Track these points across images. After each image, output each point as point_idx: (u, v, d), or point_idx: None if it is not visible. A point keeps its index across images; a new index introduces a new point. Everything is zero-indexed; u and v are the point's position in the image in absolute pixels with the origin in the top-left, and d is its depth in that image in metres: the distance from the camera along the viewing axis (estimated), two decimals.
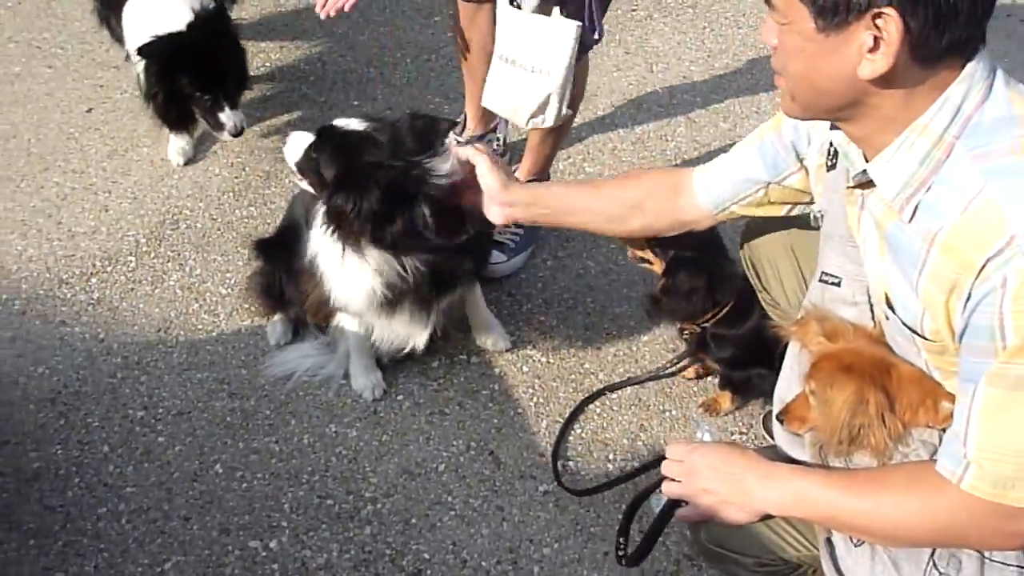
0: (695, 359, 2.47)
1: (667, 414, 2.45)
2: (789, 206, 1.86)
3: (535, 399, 2.48)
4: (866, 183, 1.42)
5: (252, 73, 3.57)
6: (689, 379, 2.53)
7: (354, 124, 2.08)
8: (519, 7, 2.36)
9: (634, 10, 4.00)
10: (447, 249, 2.05)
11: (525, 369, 2.55)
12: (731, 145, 1.90)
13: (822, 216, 1.68)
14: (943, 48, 1.24)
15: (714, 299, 2.23)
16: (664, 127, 3.43)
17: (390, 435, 2.37)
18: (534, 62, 2.35)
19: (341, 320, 2.40)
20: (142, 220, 2.97)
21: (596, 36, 2.41)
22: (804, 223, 1.85)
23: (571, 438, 2.38)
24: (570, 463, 2.33)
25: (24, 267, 2.79)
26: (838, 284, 1.62)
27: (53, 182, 3.10)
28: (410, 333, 2.33)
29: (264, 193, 3.09)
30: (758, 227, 2.09)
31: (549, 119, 2.46)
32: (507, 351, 2.59)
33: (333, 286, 2.22)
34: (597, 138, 3.38)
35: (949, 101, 1.27)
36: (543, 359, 2.58)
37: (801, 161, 1.76)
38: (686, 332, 2.39)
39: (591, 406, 2.45)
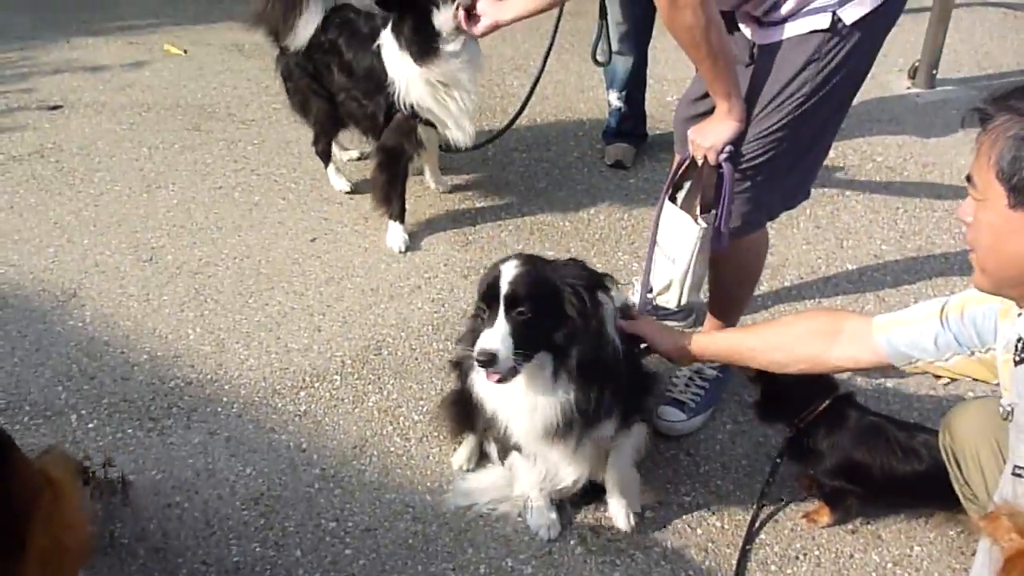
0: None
1: None
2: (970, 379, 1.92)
3: (707, 563, 2.47)
4: None
5: (456, 210, 3.90)
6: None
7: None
8: (673, 200, 2.65)
9: (825, 186, 4.09)
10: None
11: (699, 531, 2.55)
12: None
13: (1012, 410, 1.70)
14: None
15: (806, 400, 2.45)
16: (852, 303, 3.44)
17: None
18: (669, 249, 2.64)
19: (514, 460, 2.50)
20: (349, 343, 3.23)
21: (722, 244, 2.59)
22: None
23: None
24: None
25: (244, 375, 3.09)
26: None
27: (276, 300, 3.45)
28: (561, 469, 2.41)
29: (461, 330, 3.29)
30: (961, 415, 2.07)
31: (672, 301, 2.73)
32: (675, 513, 2.61)
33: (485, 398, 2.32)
34: (782, 308, 3.43)
35: None
36: (718, 523, 2.58)
37: (986, 349, 1.80)
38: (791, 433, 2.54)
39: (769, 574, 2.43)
